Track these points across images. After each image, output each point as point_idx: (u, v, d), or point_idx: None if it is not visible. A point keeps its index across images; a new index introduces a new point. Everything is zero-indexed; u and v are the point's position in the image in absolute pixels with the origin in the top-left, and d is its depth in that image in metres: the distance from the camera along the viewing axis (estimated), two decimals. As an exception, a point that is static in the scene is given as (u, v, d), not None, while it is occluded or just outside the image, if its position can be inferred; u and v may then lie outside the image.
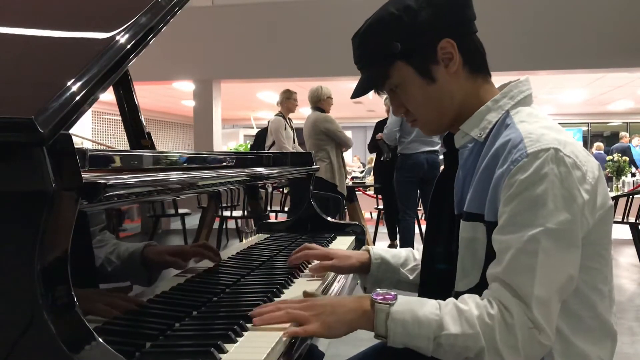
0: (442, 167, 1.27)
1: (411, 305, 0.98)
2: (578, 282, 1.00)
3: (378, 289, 1.03)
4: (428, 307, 0.97)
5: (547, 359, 1.00)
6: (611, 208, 1.05)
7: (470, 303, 0.96)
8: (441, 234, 1.19)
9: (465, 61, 1.10)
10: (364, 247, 1.43)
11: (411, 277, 1.35)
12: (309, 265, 1.46)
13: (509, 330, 0.93)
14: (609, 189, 1.46)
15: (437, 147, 5.01)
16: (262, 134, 5.93)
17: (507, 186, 0.97)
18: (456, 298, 0.99)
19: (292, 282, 1.35)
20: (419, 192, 5.22)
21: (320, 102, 5.31)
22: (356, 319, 1.00)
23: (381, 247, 1.47)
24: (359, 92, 1.16)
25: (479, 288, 1.02)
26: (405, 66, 1.10)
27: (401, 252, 1.41)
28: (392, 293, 1.01)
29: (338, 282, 1.48)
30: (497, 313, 0.94)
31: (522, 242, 0.94)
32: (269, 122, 5.65)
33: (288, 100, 5.60)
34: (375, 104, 12.64)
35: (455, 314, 0.95)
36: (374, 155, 7.51)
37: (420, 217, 6.16)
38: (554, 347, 0.99)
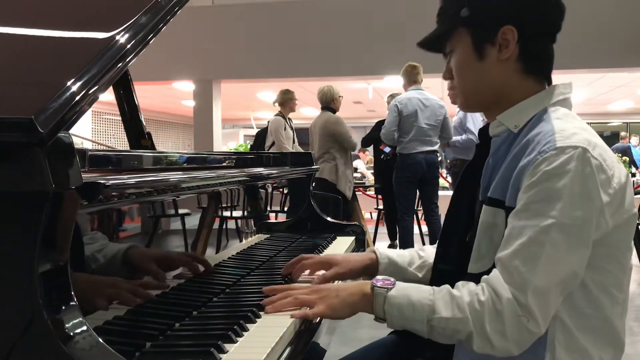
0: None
1: (407, 291, 1.04)
2: (587, 280, 1.01)
3: (378, 276, 1.10)
4: (423, 292, 1.03)
5: (549, 349, 1.01)
6: (635, 216, 1.06)
7: (463, 290, 1.01)
8: (457, 233, 1.19)
9: (521, 57, 1.12)
10: (369, 249, 1.43)
11: (420, 275, 1.35)
12: (314, 274, 1.40)
13: (497, 317, 0.96)
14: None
15: (435, 147, 4.98)
16: (262, 134, 5.92)
17: (530, 174, 0.99)
18: (468, 280, 1.04)
19: (292, 282, 1.34)
20: (417, 192, 5.21)
21: (332, 102, 5.30)
22: (358, 301, 1.07)
23: (383, 247, 1.46)
24: (423, 44, 1.21)
25: (490, 272, 1.03)
26: (465, 33, 1.14)
27: (405, 252, 1.41)
28: (392, 279, 1.07)
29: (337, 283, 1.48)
30: (487, 300, 0.97)
31: (532, 231, 0.97)
32: (268, 122, 5.64)
33: (287, 100, 5.60)
34: (376, 104, 12.64)
35: (448, 299, 1.00)
36: (371, 157, 7.46)
37: (420, 217, 6.14)
38: (556, 338, 1.01)
